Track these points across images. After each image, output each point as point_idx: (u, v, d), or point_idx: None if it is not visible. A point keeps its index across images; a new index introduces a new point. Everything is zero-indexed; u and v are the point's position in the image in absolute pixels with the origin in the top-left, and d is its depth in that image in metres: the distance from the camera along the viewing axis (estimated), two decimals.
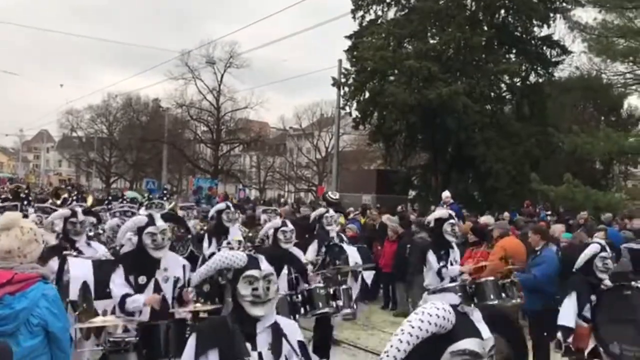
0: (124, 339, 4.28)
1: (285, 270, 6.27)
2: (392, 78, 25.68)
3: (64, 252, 5.51)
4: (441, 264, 6.51)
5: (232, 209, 8.55)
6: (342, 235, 8.48)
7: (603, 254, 5.08)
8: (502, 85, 27.31)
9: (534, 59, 26.31)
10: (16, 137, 69.48)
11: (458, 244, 9.60)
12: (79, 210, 6.07)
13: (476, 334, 1.94)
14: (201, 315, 4.33)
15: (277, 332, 2.83)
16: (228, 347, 2.72)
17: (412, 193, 28.09)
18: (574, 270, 5.17)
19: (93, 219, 7.54)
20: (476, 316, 1.98)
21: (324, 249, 7.45)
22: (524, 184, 22.95)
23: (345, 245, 7.59)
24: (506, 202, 22.40)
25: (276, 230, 6.42)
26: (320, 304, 5.99)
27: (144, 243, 4.57)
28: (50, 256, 5.58)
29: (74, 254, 5.52)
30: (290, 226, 6.47)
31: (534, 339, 6.88)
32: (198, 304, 4.36)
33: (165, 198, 12.45)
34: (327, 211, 8.18)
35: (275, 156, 52.15)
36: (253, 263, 2.87)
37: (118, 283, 4.54)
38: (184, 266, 4.79)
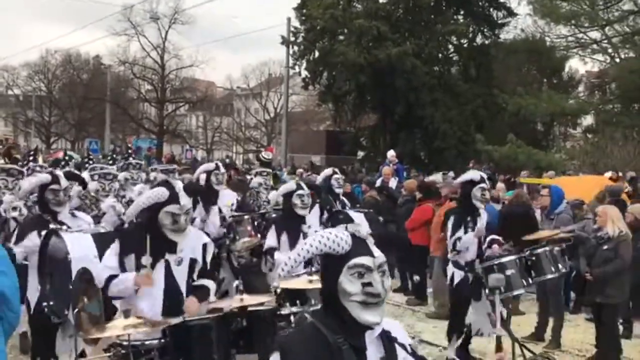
0: (144, 342, 3.31)
1: (301, 241, 5.55)
2: (341, 37, 25.54)
3: (52, 227, 4.44)
4: (459, 233, 5.72)
5: (222, 169, 7.52)
6: (345, 200, 7.69)
7: None
8: (450, 46, 27.62)
9: (481, 20, 26.63)
10: None
11: (407, 201, 9.84)
12: (60, 174, 5.02)
13: None
14: (250, 309, 3.59)
15: (389, 340, 2.10)
16: None
17: (360, 154, 28.33)
18: None
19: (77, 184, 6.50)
20: None
21: (326, 216, 6.59)
22: (469, 144, 23.50)
23: (351, 212, 6.61)
24: (452, 162, 22.90)
25: (290, 194, 5.58)
26: None
27: (160, 222, 3.66)
28: (28, 230, 4.63)
29: (64, 228, 4.45)
30: (307, 189, 5.64)
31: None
32: (245, 296, 3.57)
33: (131, 157, 11.47)
34: (335, 172, 7.40)
35: (222, 116, 51.31)
36: (362, 246, 2.06)
37: (107, 264, 3.69)
38: (204, 245, 3.89)
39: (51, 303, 4.07)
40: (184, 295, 3.72)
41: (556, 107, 22.11)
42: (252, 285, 4.45)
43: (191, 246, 3.79)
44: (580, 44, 25.60)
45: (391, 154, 14.11)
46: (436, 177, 11.35)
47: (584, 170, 18.47)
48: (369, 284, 2.00)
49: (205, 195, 7.02)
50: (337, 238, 2.04)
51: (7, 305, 3.14)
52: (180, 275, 3.73)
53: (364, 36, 24.10)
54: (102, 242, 4.06)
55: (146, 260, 3.62)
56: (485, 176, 5.94)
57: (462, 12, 27.21)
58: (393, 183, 11.63)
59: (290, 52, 26.98)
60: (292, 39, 26.80)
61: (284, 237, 5.50)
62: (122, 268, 3.69)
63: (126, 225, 3.98)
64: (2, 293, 3.07)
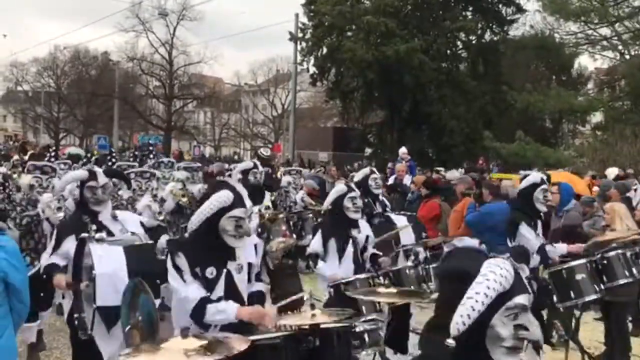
0: None
1: (350, 247, 5.11)
2: (349, 34, 25.54)
3: (84, 235, 3.99)
4: (538, 239, 5.33)
5: (260, 168, 7.20)
6: (385, 201, 7.22)
7: None
8: (458, 43, 27.53)
9: (490, 17, 26.54)
10: None
11: (418, 197, 9.79)
12: (98, 170, 4.55)
13: None
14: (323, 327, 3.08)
15: None
16: None
17: (368, 150, 28.31)
18: None
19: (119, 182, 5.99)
20: None
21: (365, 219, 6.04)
22: (477, 141, 23.45)
23: (393, 215, 6.08)
24: (459, 159, 22.86)
25: (342, 197, 5.13)
26: (413, 289, 4.69)
27: (221, 228, 3.25)
28: (65, 235, 4.14)
29: (97, 235, 3.97)
30: (357, 191, 5.29)
31: None
32: (317, 311, 3.10)
33: (152, 155, 11.24)
34: (373, 171, 6.95)
35: (230, 113, 51.35)
36: (521, 283, 1.79)
37: (188, 280, 3.21)
38: (255, 245, 3.66)
39: (83, 315, 3.79)
40: (246, 305, 3.36)
41: (565, 104, 22.02)
42: (286, 288, 4.06)
43: (246, 249, 3.46)
44: (589, 41, 25.45)
45: (403, 150, 13.94)
46: (452, 174, 11.32)
47: (593, 167, 18.39)
48: (523, 327, 1.72)
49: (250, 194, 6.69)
50: (508, 273, 1.72)
51: (18, 297, 3.22)
52: (242, 283, 3.36)
53: (372, 32, 24.07)
54: (136, 256, 3.66)
55: (210, 272, 3.23)
56: (545, 177, 5.69)
57: (470, 9, 27.12)
58: (407, 180, 11.55)
59: (298, 48, 26.96)
60: (300, 35, 26.78)
61: (332, 243, 5.12)
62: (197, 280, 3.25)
63: (187, 235, 3.38)
64: (13, 286, 3.15)
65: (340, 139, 28.15)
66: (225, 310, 3.16)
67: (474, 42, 27.01)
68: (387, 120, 27.56)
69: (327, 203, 5.40)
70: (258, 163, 7.27)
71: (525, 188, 5.54)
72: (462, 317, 1.70)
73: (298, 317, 3.16)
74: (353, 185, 5.42)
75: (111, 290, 3.52)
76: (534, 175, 5.67)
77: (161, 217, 6.60)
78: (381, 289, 3.73)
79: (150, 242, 4.04)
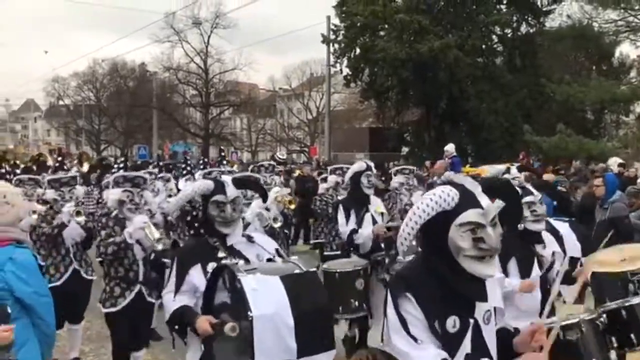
0: None
1: (536, 269, 3.88)
2: (382, 33, 25.44)
3: (228, 263, 2.96)
4: None
5: (375, 170, 6.14)
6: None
7: None
8: (494, 36, 27.13)
9: (525, 8, 26.05)
10: (2, 107, 68.66)
11: None
12: (227, 180, 3.52)
13: None
14: None
15: None
16: None
17: (405, 150, 28.11)
18: None
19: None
20: None
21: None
22: (516, 135, 23.05)
23: (552, 221, 4.65)
24: (499, 154, 22.46)
25: (525, 204, 3.87)
26: None
27: (453, 246, 2.17)
28: (188, 265, 3.24)
29: (242, 265, 2.93)
30: (537, 195, 4.10)
31: None
32: None
33: (225, 162, 10.82)
34: (509, 168, 5.89)
35: (265, 118, 51.79)
36: None
37: (422, 337, 2.13)
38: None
39: None
40: None
41: (606, 94, 21.41)
42: None
43: (492, 288, 2.28)
44: (630, 28, 24.68)
45: (449, 147, 13.70)
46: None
47: (638, 158, 17.84)
48: None
49: (355, 200, 5.84)
50: None
51: (35, 313, 3.07)
52: (491, 339, 2.26)
53: (405, 30, 23.93)
54: (299, 289, 2.73)
55: (453, 324, 2.16)
56: None
57: (505, 2, 26.67)
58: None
59: (331, 50, 26.98)
60: (333, 37, 26.79)
61: (513, 264, 3.87)
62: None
63: (405, 258, 2.37)
64: (22, 300, 3.03)
65: (377, 139, 28.00)
66: None
67: (509, 35, 26.56)
68: (423, 118, 27.32)
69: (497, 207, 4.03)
70: (371, 164, 6.14)
71: None
72: None
73: None
74: (531, 188, 4.21)
75: (274, 339, 2.63)
76: None
77: (277, 224, 5.57)
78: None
79: (313, 269, 3.05)
